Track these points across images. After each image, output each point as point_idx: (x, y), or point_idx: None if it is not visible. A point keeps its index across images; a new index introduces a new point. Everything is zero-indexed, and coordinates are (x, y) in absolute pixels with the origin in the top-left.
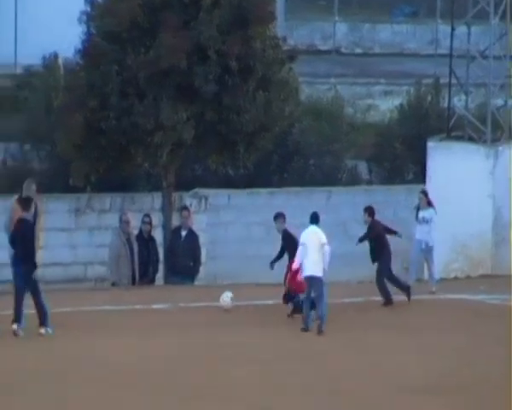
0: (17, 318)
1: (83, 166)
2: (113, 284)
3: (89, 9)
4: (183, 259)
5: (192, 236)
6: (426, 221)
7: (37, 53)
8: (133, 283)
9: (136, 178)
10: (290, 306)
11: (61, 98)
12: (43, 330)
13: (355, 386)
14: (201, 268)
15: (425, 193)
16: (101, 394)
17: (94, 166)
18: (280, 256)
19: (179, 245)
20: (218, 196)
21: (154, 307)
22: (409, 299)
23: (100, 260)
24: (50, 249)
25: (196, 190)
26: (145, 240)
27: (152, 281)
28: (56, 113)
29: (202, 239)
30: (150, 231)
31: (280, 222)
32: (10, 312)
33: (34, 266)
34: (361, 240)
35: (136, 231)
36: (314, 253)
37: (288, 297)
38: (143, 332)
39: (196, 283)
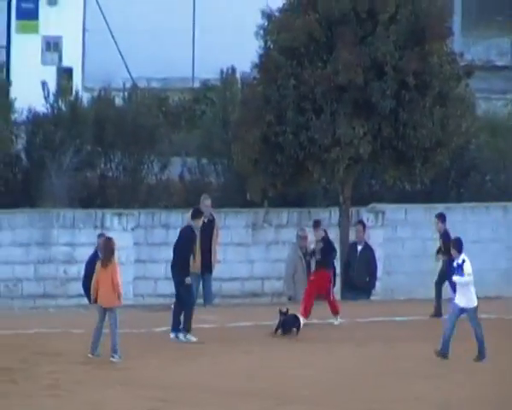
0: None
1: (260, 181)
2: (290, 299)
3: (266, 24)
4: (358, 274)
5: (368, 250)
6: None
7: (215, 67)
8: None
9: (313, 193)
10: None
11: (238, 112)
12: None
13: None
14: (377, 283)
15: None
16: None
17: (271, 181)
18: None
19: (355, 260)
20: (394, 210)
21: (331, 321)
22: None
23: (277, 275)
24: (228, 264)
25: (373, 204)
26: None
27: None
28: (233, 127)
29: (378, 254)
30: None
31: (319, 230)
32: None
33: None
34: None
35: (312, 246)
36: None
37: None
38: (319, 346)
39: (372, 298)
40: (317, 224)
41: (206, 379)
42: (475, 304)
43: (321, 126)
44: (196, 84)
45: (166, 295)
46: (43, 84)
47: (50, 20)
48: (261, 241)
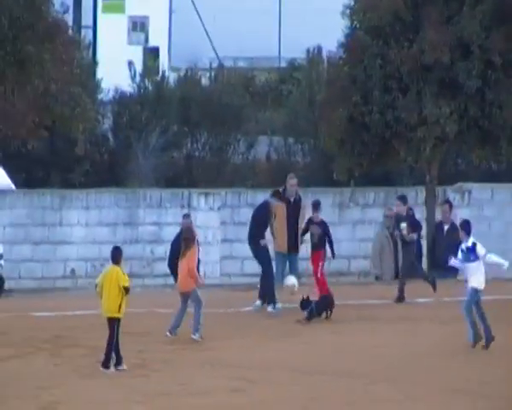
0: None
1: (346, 161)
2: (377, 278)
3: (352, 3)
4: (445, 253)
5: (454, 230)
6: None
7: (301, 47)
8: (396, 277)
9: (400, 172)
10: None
11: (324, 92)
12: None
13: None
14: None
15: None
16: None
17: (357, 160)
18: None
19: (442, 239)
20: (481, 190)
21: (419, 300)
22: None
23: (363, 254)
24: None
25: (459, 184)
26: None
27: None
28: (319, 107)
29: None
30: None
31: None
32: None
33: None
34: None
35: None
36: None
37: (305, 304)
38: (405, 326)
39: (459, 277)
40: (315, 206)
41: (293, 359)
42: (482, 287)
43: (407, 105)
44: (283, 64)
45: (253, 274)
46: (130, 64)
47: (136, 0)
48: (347, 220)
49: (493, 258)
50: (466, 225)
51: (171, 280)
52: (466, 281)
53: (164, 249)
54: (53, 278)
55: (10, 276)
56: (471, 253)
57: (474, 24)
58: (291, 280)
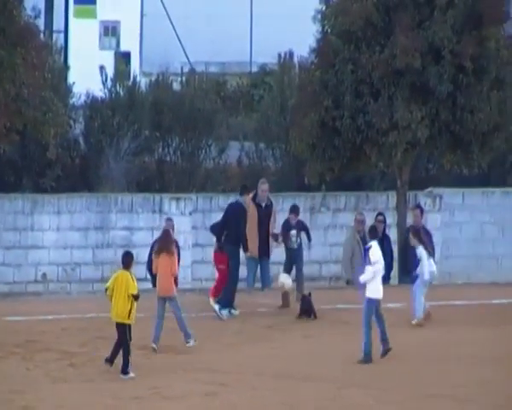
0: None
1: (317, 165)
2: (348, 283)
3: (323, 8)
4: (416, 258)
5: (426, 235)
6: None
7: (273, 52)
8: None
9: (371, 177)
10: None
11: (296, 97)
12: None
13: None
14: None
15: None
16: None
17: (328, 165)
18: None
19: None
20: (452, 195)
21: (389, 305)
22: None
23: (334, 259)
24: None
25: (431, 188)
26: (379, 239)
27: (386, 279)
28: (291, 111)
29: (436, 238)
30: (384, 230)
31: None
32: None
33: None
34: None
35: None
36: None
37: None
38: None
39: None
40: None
41: (264, 363)
42: (379, 296)
43: (378, 110)
44: (254, 69)
45: None
46: (101, 68)
47: (108, 5)
48: (319, 225)
49: (369, 269)
50: (372, 231)
51: (142, 285)
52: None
53: (135, 254)
54: (24, 282)
55: None
56: (366, 256)
57: (445, 28)
58: (282, 278)
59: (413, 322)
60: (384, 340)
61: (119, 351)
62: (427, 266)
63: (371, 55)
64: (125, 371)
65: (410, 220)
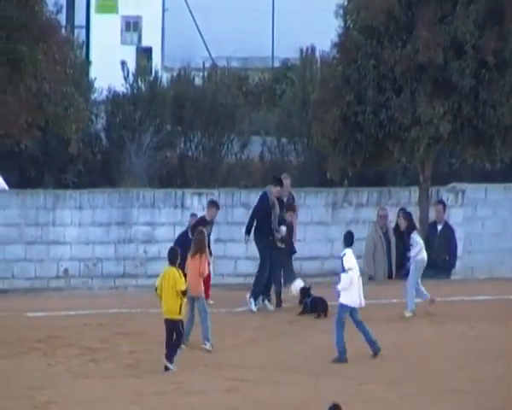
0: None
1: (340, 161)
2: (370, 278)
3: (345, 3)
4: (438, 253)
5: (448, 230)
6: None
7: (295, 47)
8: (390, 277)
9: (393, 172)
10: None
11: (318, 92)
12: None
13: None
14: (457, 262)
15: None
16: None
17: (351, 160)
18: None
19: (435, 239)
20: (474, 190)
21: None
22: None
23: (357, 254)
24: (308, 243)
25: (453, 184)
26: (402, 234)
27: (405, 275)
28: (313, 106)
29: (458, 233)
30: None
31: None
32: None
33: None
34: None
35: (393, 225)
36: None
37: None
38: (397, 325)
39: (452, 277)
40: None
41: (286, 359)
42: (355, 305)
43: (401, 105)
44: (276, 64)
45: (246, 274)
46: (123, 63)
47: (129, 0)
48: (341, 220)
49: (343, 276)
50: (347, 237)
51: None
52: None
53: (157, 249)
54: (46, 277)
55: (3, 276)
56: (341, 263)
57: (467, 23)
58: (298, 283)
59: (406, 314)
60: (371, 342)
61: (173, 348)
62: (420, 252)
63: (393, 50)
64: (170, 359)
65: (432, 216)
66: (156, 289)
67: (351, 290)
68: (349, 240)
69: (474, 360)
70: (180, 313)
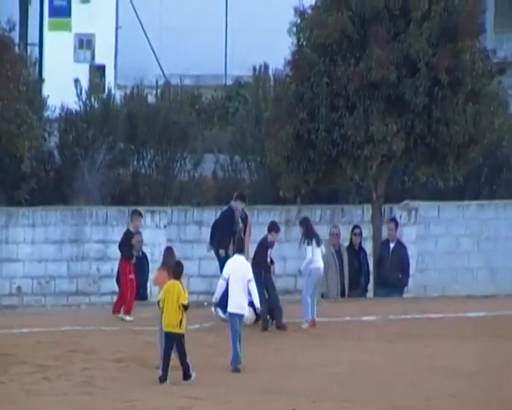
0: None
1: (292, 178)
2: (322, 296)
3: (299, 21)
4: (391, 271)
5: (400, 248)
6: None
7: (248, 64)
8: (342, 294)
9: (346, 190)
10: None
11: (271, 110)
12: None
13: None
14: (410, 280)
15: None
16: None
17: (304, 177)
18: None
19: (388, 257)
20: (427, 208)
21: (364, 318)
22: None
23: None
24: None
25: (406, 201)
26: (356, 251)
27: (364, 292)
28: (266, 124)
29: (411, 251)
30: (360, 243)
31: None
32: None
33: None
34: None
35: (346, 243)
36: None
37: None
38: (350, 344)
39: (405, 295)
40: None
41: (238, 377)
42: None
43: (354, 123)
44: (229, 82)
45: (199, 292)
46: (76, 81)
47: (83, 18)
48: (294, 238)
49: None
50: (239, 245)
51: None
52: None
53: (110, 267)
54: None
55: None
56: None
57: (420, 41)
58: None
59: (303, 326)
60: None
61: (184, 362)
62: (314, 261)
63: (346, 67)
64: (187, 375)
65: (385, 234)
66: (159, 303)
67: (231, 298)
68: (240, 246)
69: (427, 378)
70: (180, 328)
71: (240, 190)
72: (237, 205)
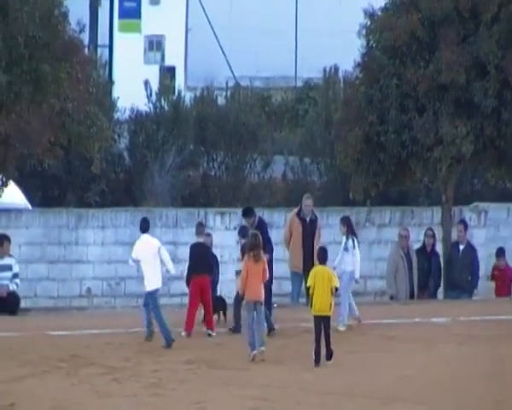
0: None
1: (362, 181)
2: (392, 298)
3: (368, 23)
4: (460, 273)
5: (470, 250)
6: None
7: (318, 66)
8: (411, 297)
9: (416, 192)
10: None
11: (341, 112)
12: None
13: None
14: (479, 283)
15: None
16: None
17: (373, 180)
18: None
19: (457, 259)
20: (497, 210)
21: (434, 320)
22: None
23: (379, 274)
24: (331, 263)
25: (476, 203)
26: (427, 254)
27: (433, 295)
28: (335, 126)
29: (481, 253)
30: (433, 245)
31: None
32: None
33: None
34: None
35: (417, 245)
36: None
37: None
38: (420, 346)
39: (474, 297)
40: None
41: (306, 378)
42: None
43: (423, 125)
44: (299, 84)
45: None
46: (146, 83)
47: (153, 19)
48: (363, 240)
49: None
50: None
51: (186, 300)
52: None
53: (180, 268)
54: (69, 297)
55: (26, 295)
56: None
57: (490, 43)
58: None
59: (339, 328)
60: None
61: (330, 342)
62: (356, 262)
63: (416, 70)
64: (330, 355)
65: (455, 236)
66: (308, 289)
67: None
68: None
69: (498, 380)
70: (330, 310)
71: (244, 207)
72: (246, 221)
